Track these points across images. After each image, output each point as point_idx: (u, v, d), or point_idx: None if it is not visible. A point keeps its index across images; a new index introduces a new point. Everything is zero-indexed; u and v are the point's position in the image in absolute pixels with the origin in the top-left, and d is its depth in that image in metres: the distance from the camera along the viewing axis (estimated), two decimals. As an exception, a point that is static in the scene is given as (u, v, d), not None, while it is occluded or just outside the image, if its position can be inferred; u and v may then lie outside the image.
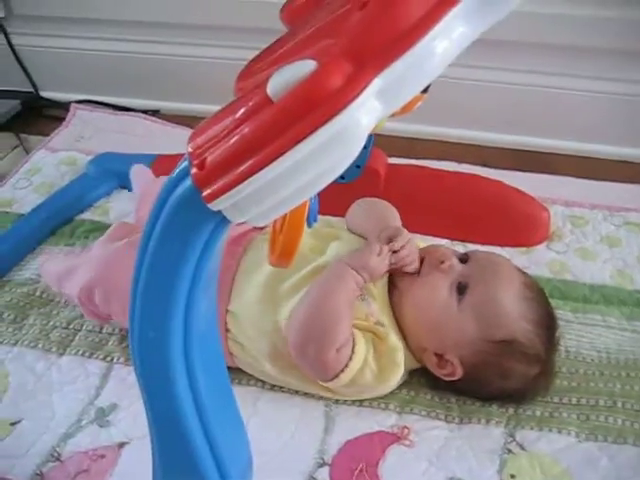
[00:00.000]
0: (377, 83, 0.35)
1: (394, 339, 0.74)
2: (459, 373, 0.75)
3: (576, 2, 1.16)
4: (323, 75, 0.35)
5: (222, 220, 0.39)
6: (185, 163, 0.39)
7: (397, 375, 0.74)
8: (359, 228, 0.85)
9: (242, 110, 0.37)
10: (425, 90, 0.43)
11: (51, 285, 0.92)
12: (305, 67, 0.36)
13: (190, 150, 0.39)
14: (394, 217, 0.86)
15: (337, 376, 0.71)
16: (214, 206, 0.38)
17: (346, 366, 0.71)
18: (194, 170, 0.38)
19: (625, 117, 1.26)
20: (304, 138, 0.35)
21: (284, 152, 0.35)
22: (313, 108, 0.35)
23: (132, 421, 0.76)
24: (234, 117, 0.37)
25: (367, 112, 0.35)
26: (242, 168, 0.36)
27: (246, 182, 0.36)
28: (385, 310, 0.77)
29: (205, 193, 0.38)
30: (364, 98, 0.35)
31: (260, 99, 0.37)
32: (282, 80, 0.36)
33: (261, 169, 0.36)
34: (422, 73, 0.36)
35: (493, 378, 0.75)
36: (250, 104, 0.37)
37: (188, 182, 0.39)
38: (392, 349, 0.73)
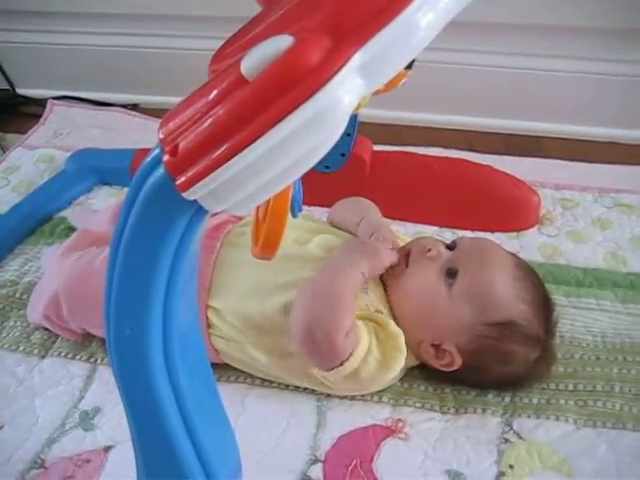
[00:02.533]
0: (358, 58, 0.33)
1: (395, 326, 0.72)
2: (458, 362, 0.73)
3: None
4: (300, 51, 0.33)
5: (199, 210, 0.37)
6: (157, 150, 0.37)
7: (400, 362, 0.71)
8: (340, 224, 0.86)
9: (215, 91, 0.35)
10: (409, 66, 0.41)
11: (29, 317, 0.88)
12: (281, 43, 0.33)
13: (162, 136, 0.36)
14: (375, 213, 0.86)
15: (342, 364, 0.68)
16: (189, 195, 0.35)
17: (351, 355, 0.68)
18: (166, 157, 0.36)
19: (614, 98, 1.24)
20: (282, 119, 0.33)
21: (261, 134, 0.33)
22: (291, 86, 0.32)
23: (118, 424, 0.74)
24: (207, 99, 0.35)
25: (348, 89, 0.33)
26: (217, 153, 0.34)
27: (222, 168, 0.34)
28: (382, 301, 0.75)
29: (179, 181, 0.35)
30: (345, 74, 0.33)
31: (234, 79, 0.34)
32: (257, 58, 0.34)
33: (237, 153, 0.34)
34: (406, 46, 0.34)
35: (494, 364, 0.74)
36: (224, 85, 0.35)
37: (161, 170, 0.36)
38: (394, 335, 0.71)
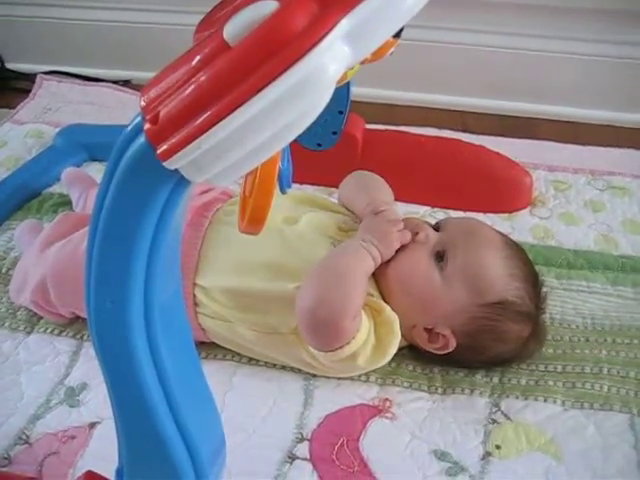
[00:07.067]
0: (345, 24, 0.32)
1: (390, 310, 0.71)
2: (453, 344, 0.73)
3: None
4: (285, 15, 0.32)
5: (180, 180, 0.36)
6: (138, 118, 0.36)
7: (395, 347, 0.71)
8: (348, 200, 0.85)
9: (197, 58, 0.34)
10: (398, 34, 0.40)
11: (14, 300, 0.86)
12: (265, 7, 0.32)
13: (143, 104, 0.36)
14: (387, 193, 0.85)
15: (342, 347, 0.68)
16: (170, 164, 0.35)
17: (353, 338, 0.68)
18: (147, 125, 0.35)
19: (609, 80, 1.24)
20: (265, 86, 0.32)
21: (244, 102, 0.32)
22: (274, 52, 0.31)
23: (103, 400, 0.72)
24: (189, 66, 0.34)
25: (335, 56, 0.32)
26: (199, 121, 0.33)
27: (204, 136, 0.33)
28: (371, 284, 0.74)
29: (160, 150, 0.34)
30: (331, 41, 0.32)
31: (217, 45, 0.33)
32: (240, 23, 0.33)
33: (219, 121, 0.33)
34: (395, 13, 0.33)
35: (489, 343, 0.74)
36: (206, 51, 0.34)
37: (141, 139, 0.35)
38: (389, 320, 0.71)
